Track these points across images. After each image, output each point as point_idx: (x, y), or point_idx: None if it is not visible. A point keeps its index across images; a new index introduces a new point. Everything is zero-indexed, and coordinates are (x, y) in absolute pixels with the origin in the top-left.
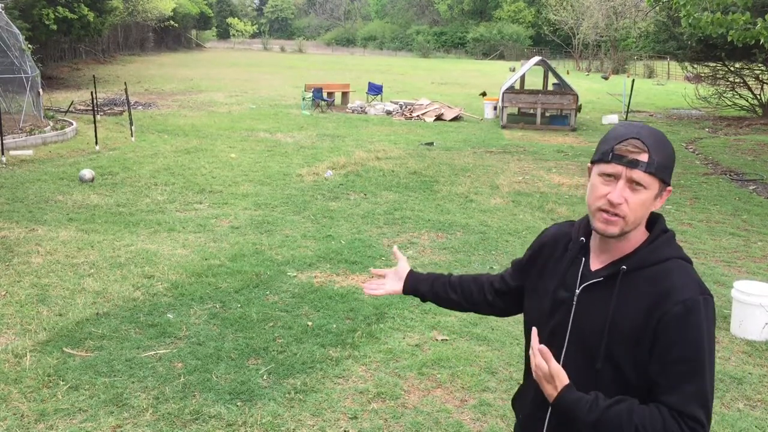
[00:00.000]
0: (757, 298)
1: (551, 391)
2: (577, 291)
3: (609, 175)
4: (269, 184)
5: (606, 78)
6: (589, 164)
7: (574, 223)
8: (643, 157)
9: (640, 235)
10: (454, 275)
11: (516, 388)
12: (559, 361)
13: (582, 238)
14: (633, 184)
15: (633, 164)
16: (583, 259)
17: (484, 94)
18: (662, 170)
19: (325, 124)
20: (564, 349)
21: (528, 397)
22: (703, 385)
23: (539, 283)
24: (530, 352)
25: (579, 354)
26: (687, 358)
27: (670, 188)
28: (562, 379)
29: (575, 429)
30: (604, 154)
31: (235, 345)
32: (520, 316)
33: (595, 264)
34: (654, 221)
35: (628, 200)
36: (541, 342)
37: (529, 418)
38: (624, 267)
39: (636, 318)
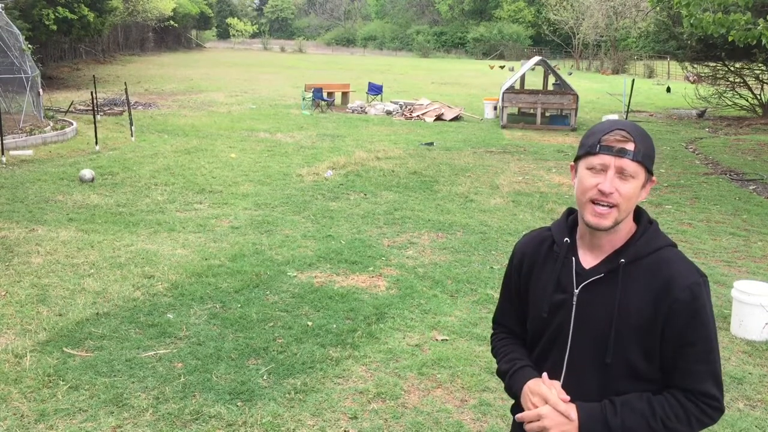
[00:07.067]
0: (757, 298)
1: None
2: (576, 291)
3: (597, 167)
4: (269, 184)
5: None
6: (572, 163)
7: (550, 227)
8: (630, 146)
9: (628, 228)
10: (517, 359)
11: None
12: (563, 362)
13: (566, 239)
14: (622, 173)
15: (621, 153)
16: (573, 258)
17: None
18: (647, 159)
19: (325, 124)
20: (568, 350)
21: None
22: (714, 362)
23: (532, 292)
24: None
25: (585, 352)
26: (699, 339)
27: (654, 178)
28: (569, 408)
29: None
30: (591, 147)
31: (235, 345)
32: None
33: (588, 261)
34: (638, 213)
35: (619, 190)
36: (543, 346)
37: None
38: (623, 260)
39: (644, 308)
